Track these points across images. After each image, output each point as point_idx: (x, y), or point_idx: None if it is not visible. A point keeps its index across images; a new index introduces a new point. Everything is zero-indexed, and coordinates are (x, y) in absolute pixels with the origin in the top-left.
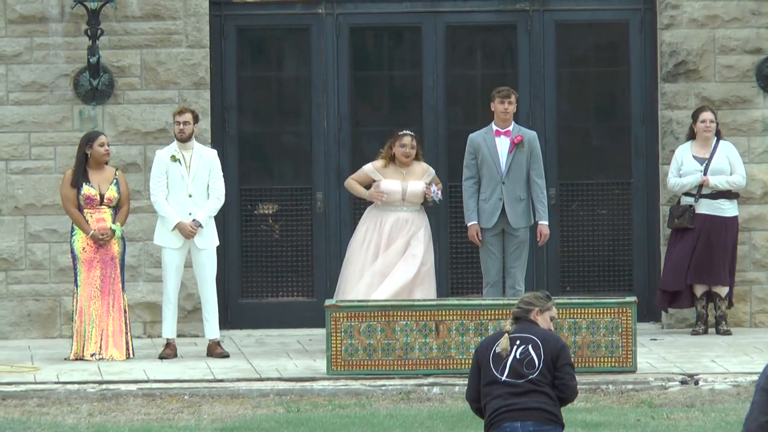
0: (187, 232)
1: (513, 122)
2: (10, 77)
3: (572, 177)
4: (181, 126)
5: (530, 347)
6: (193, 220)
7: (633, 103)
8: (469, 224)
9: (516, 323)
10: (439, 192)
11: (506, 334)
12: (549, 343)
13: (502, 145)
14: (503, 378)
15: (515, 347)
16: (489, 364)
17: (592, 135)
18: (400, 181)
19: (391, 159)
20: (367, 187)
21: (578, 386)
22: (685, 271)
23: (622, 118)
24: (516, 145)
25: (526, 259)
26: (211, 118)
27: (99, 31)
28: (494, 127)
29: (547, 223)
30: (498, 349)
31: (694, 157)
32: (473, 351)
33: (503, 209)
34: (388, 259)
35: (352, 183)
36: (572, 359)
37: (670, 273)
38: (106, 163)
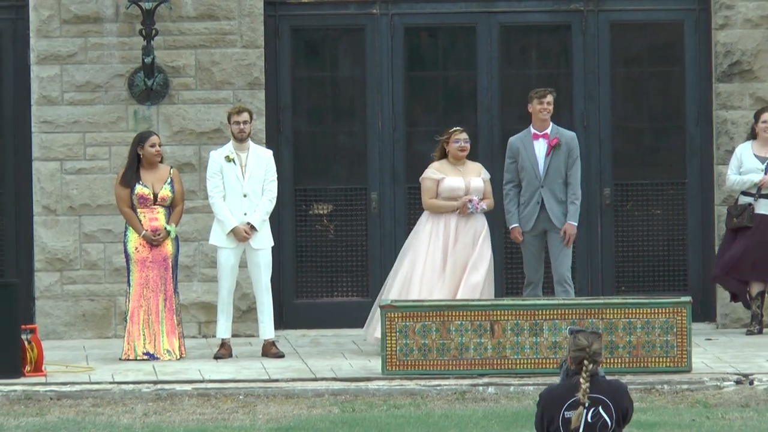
0: (242, 237)
1: (552, 124)
2: (65, 77)
3: (627, 177)
4: (241, 125)
5: (601, 409)
6: (248, 223)
7: (688, 103)
8: (510, 227)
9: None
10: (478, 205)
11: (581, 408)
12: (617, 400)
13: (540, 148)
14: None
15: (586, 411)
16: (559, 426)
17: (646, 135)
18: (462, 178)
19: (444, 157)
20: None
21: (633, 386)
22: (738, 264)
23: (676, 118)
24: (553, 148)
25: (570, 256)
26: (266, 119)
27: (153, 31)
28: (532, 130)
29: (575, 223)
30: (571, 418)
31: (755, 156)
32: (537, 397)
33: (543, 212)
34: (458, 259)
35: (434, 202)
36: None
37: (725, 266)
38: (161, 162)
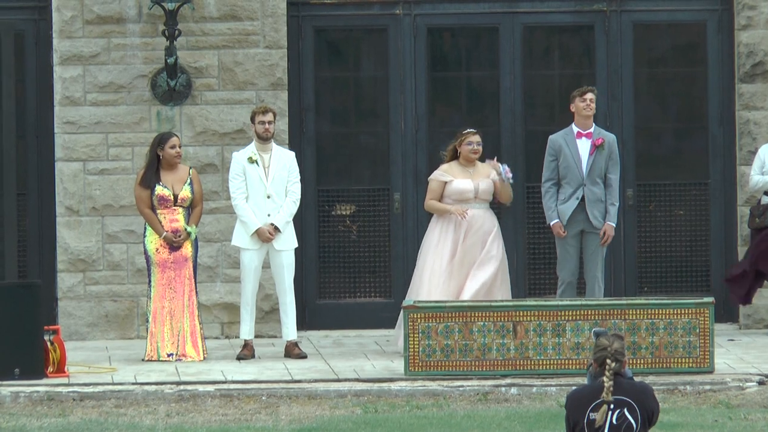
0: (265, 237)
1: (594, 124)
2: (88, 78)
3: (650, 177)
4: (266, 125)
5: (626, 410)
6: (271, 224)
7: (710, 103)
8: (551, 223)
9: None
10: (509, 171)
11: (605, 406)
12: (642, 402)
13: (583, 147)
14: None
15: (610, 412)
16: (584, 428)
17: (669, 136)
18: (471, 180)
19: (455, 158)
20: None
21: (656, 387)
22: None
23: (699, 119)
24: (597, 148)
25: (604, 259)
26: (289, 119)
27: (176, 32)
28: (575, 129)
29: (614, 224)
30: (596, 418)
31: None
32: (565, 400)
33: (582, 211)
34: (465, 258)
35: (433, 204)
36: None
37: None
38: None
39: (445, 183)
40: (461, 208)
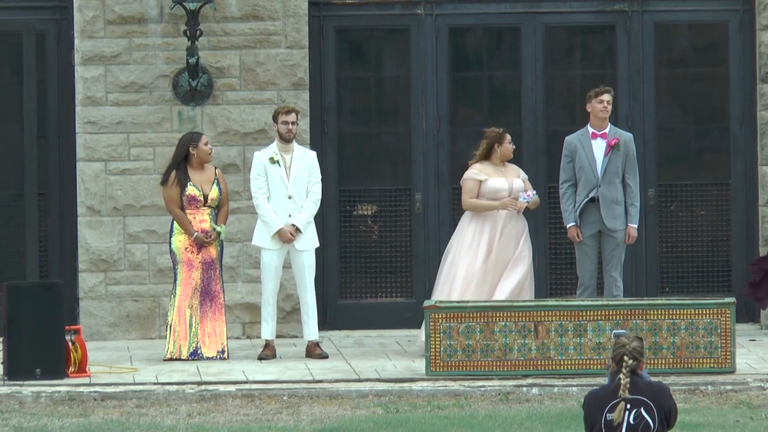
0: (287, 238)
1: (609, 124)
2: (109, 78)
3: (671, 178)
4: (289, 125)
5: (643, 410)
6: (293, 224)
7: (732, 104)
8: (568, 226)
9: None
10: (529, 193)
11: (622, 403)
12: (659, 401)
13: (598, 147)
14: None
15: (627, 412)
16: (601, 428)
17: (690, 136)
18: (504, 179)
19: (487, 157)
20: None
21: (677, 387)
22: None
23: (720, 119)
24: (612, 148)
25: (622, 260)
26: (310, 119)
27: (198, 32)
28: (590, 129)
29: (636, 225)
30: (613, 418)
31: None
32: (582, 400)
33: (598, 212)
34: (500, 257)
35: (475, 202)
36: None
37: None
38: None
39: (480, 182)
40: (510, 199)
